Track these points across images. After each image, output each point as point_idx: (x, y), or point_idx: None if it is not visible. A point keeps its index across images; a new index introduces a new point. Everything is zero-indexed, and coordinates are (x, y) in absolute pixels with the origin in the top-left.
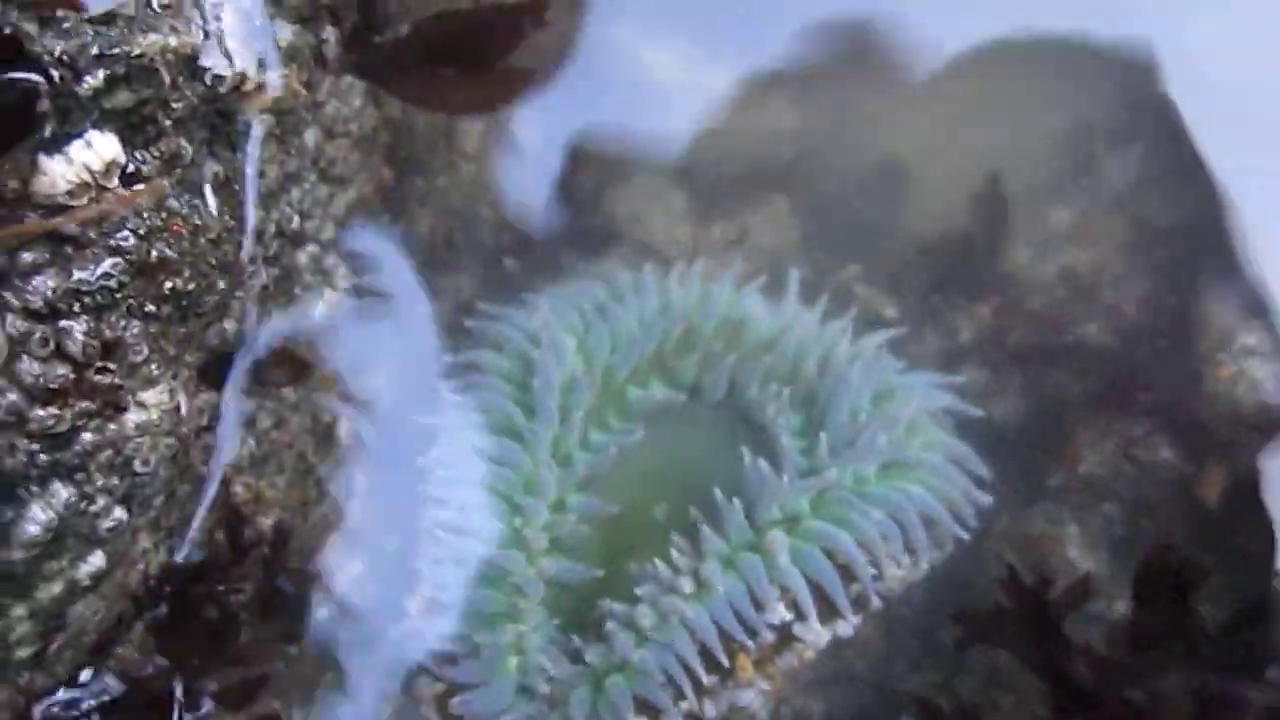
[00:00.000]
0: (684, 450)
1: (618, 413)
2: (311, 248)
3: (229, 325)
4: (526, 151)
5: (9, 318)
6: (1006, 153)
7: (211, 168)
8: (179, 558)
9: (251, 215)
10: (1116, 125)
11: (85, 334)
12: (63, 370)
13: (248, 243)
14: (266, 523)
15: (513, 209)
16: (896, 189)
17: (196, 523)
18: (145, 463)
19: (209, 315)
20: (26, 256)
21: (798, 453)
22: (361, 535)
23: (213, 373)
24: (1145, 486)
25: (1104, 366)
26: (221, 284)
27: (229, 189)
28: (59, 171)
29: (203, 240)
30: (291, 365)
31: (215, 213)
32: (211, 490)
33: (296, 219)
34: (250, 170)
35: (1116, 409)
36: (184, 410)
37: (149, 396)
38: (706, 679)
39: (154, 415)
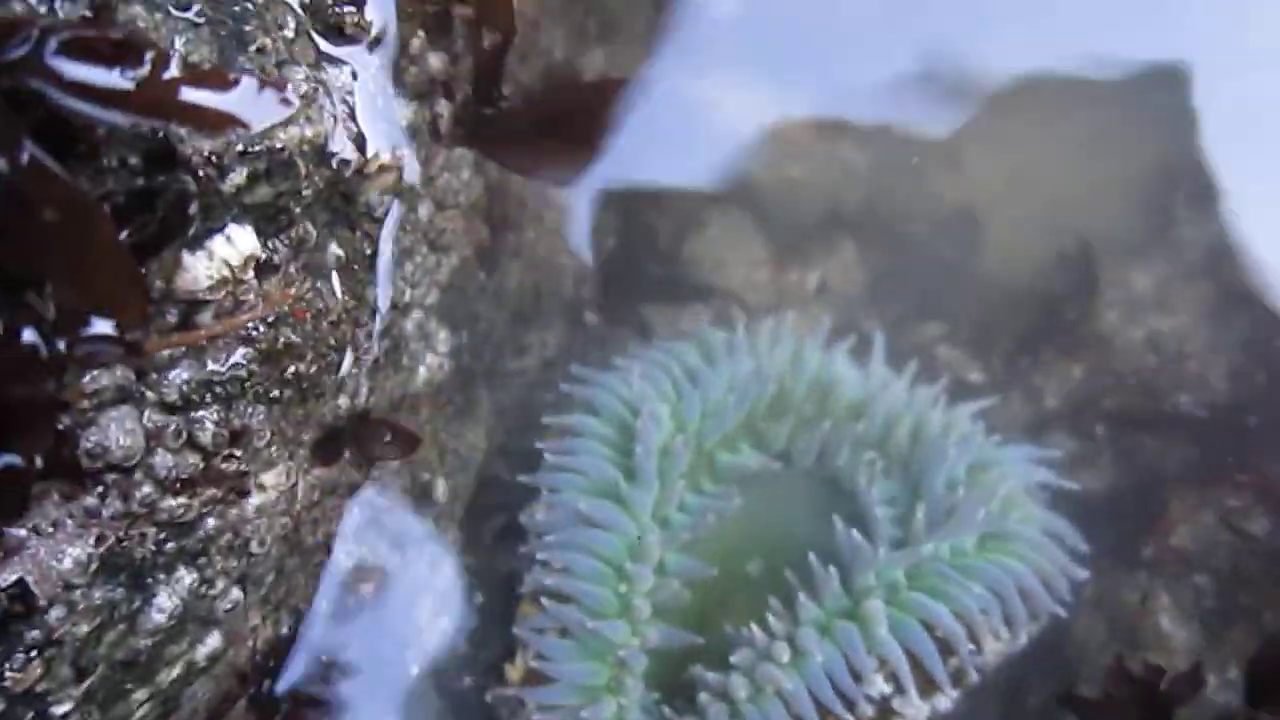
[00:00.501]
0: (774, 514)
1: (711, 477)
2: (417, 314)
3: (343, 401)
4: (608, 200)
5: (146, 411)
6: (1083, 202)
7: (334, 250)
8: (285, 630)
9: (373, 295)
10: (1196, 178)
11: (216, 424)
12: (193, 460)
13: (366, 319)
14: (368, 589)
15: (593, 258)
16: (969, 236)
17: (303, 594)
18: (261, 543)
19: (327, 395)
20: (163, 352)
21: (889, 522)
22: (451, 592)
23: (325, 448)
24: (1240, 559)
25: (1195, 438)
26: (340, 364)
27: (349, 270)
28: (201, 269)
29: (325, 323)
30: (402, 440)
31: (338, 295)
32: (317, 561)
33: (408, 291)
34: (369, 250)
35: (1210, 481)
36: (299, 489)
37: (268, 479)
38: None
39: (272, 496)
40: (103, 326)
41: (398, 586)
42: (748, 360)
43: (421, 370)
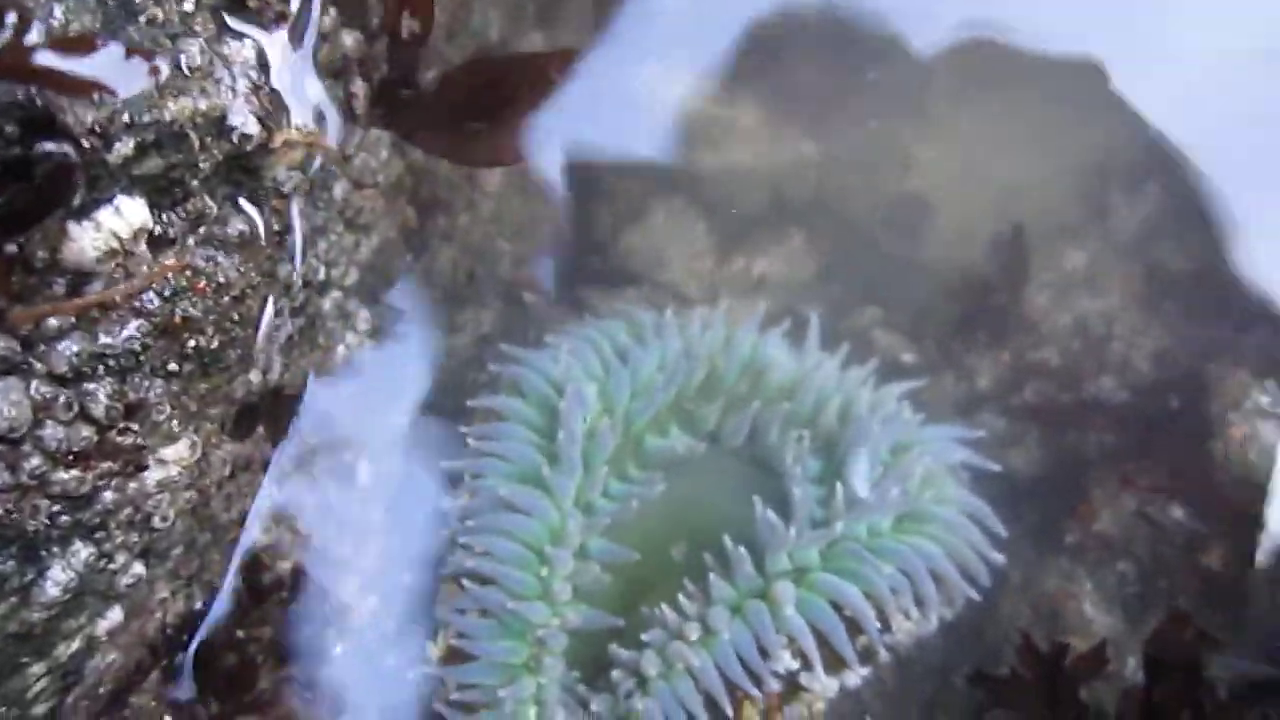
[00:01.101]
0: (701, 496)
1: (637, 461)
2: (335, 294)
3: (254, 377)
4: (546, 187)
5: (34, 383)
6: (1024, 188)
7: (236, 225)
8: (198, 604)
9: (285, 272)
10: (1133, 163)
11: (109, 397)
12: (86, 433)
13: (277, 296)
14: (285, 566)
15: (531, 244)
16: (917, 225)
17: (216, 569)
18: (165, 518)
19: (232, 369)
20: (51, 323)
21: (815, 502)
22: (378, 573)
23: (236, 424)
24: (1160, 546)
25: (1118, 423)
26: (245, 339)
27: (255, 246)
28: (88, 239)
29: (227, 298)
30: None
31: (239, 270)
32: (232, 537)
33: (322, 269)
34: (278, 226)
35: (1130, 469)
36: (205, 464)
37: (169, 453)
38: None
39: (174, 471)
40: None
41: (320, 563)
42: (678, 340)
43: (340, 349)
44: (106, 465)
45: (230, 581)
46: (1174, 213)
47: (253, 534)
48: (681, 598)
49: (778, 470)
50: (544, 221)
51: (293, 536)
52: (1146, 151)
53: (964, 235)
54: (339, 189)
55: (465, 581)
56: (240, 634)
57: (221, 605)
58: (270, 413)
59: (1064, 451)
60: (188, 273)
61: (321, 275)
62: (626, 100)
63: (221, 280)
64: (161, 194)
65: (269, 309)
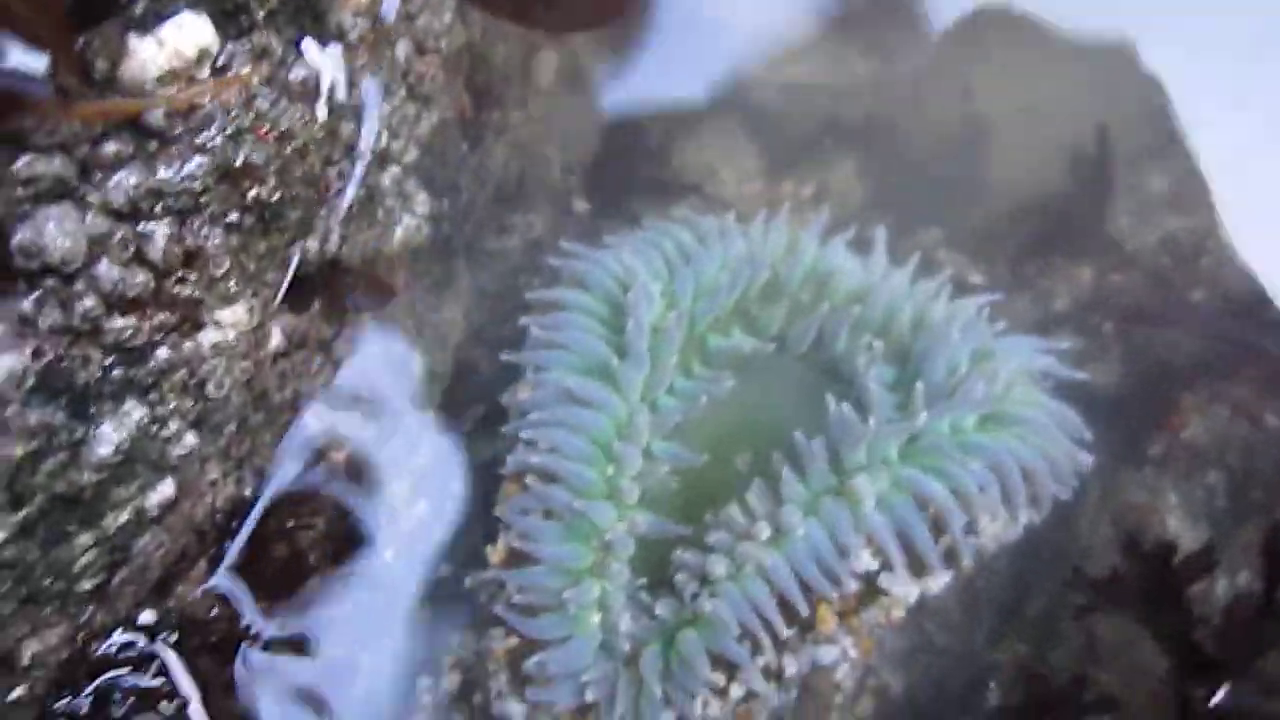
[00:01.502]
0: (767, 403)
1: (702, 361)
2: (394, 169)
3: (312, 245)
4: (599, 93)
5: (89, 215)
6: (1090, 115)
7: (299, 71)
8: (248, 490)
9: (348, 130)
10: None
11: (167, 239)
12: (142, 277)
13: (338, 156)
14: (339, 458)
15: (582, 151)
16: (976, 149)
17: (267, 454)
18: (219, 386)
19: (291, 231)
20: (109, 148)
21: (889, 406)
22: (430, 475)
23: (292, 294)
24: (1254, 454)
25: (1209, 331)
26: (306, 197)
27: (318, 96)
28: (149, 55)
29: (289, 149)
30: (376, 289)
31: (302, 120)
32: (284, 421)
33: (385, 136)
34: (343, 80)
35: (1224, 373)
36: (262, 333)
37: (226, 315)
38: (785, 631)
39: (230, 336)
40: (27, 60)
41: (372, 460)
42: (741, 243)
43: (398, 230)
44: (163, 317)
45: (282, 468)
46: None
47: (306, 420)
48: (750, 497)
49: (847, 378)
50: (595, 127)
51: (345, 428)
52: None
53: (1030, 161)
54: (402, 49)
55: (529, 480)
56: (291, 524)
57: (272, 493)
58: (327, 287)
59: (1148, 368)
60: (251, 114)
61: (383, 142)
62: (685, 11)
63: (284, 128)
64: (226, 18)
65: (331, 171)
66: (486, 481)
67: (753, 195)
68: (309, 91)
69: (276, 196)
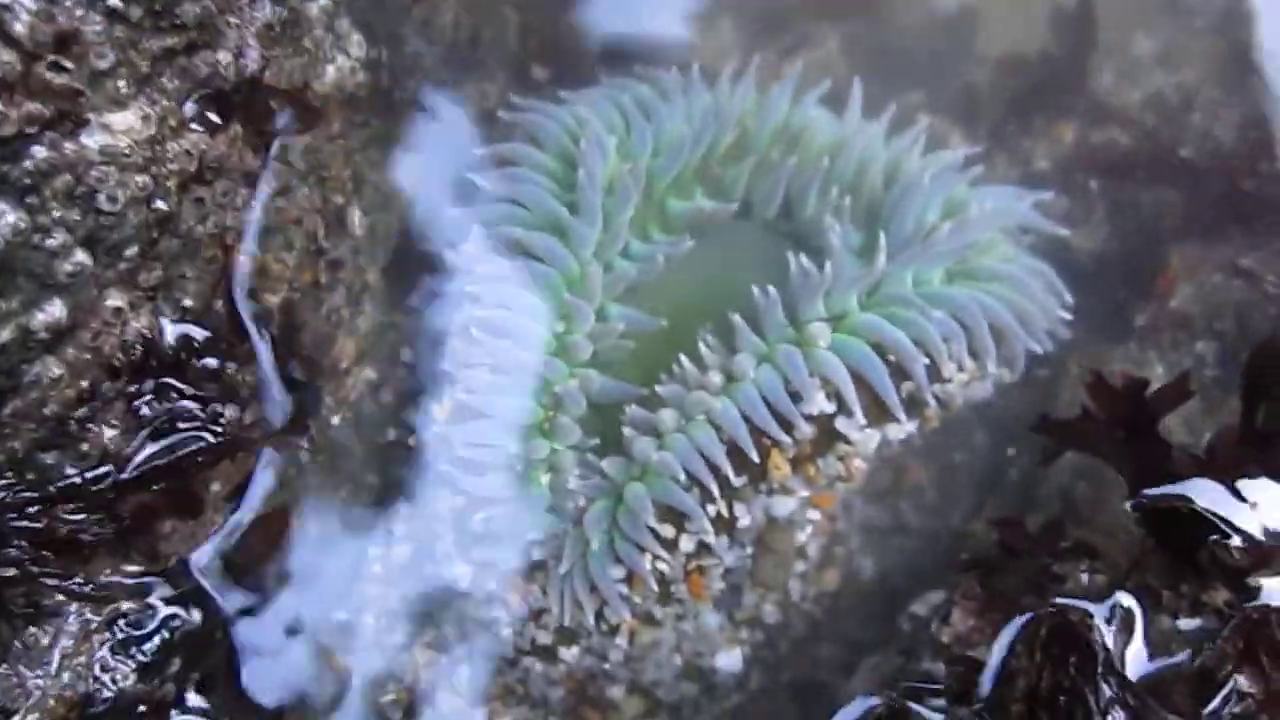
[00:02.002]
0: (732, 268)
1: (660, 224)
2: (324, 1)
3: (223, 57)
4: None
5: None
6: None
7: None
8: (168, 326)
9: None
10: None
11: (34, 14)
12: (7, 57)
13: None
14: (273, 300)
15: (543, 13)
16: (963, 23)
17: (190, 289)
18: (112, 199)
19: (192, 33)
20: None
21: (853, 261)
22: (375, 339)
23: (205, 111)
24: (1248, 321)
25: (1201, 187)
26: None
27: None
28: None
29: None
30: (303, 112)
31: None
32: (209, 255)
33: None
34: None
35: (1217, 232)
36: (162, 149)
37: (117, 119)
38: (736, 478)
39: (122, 143)
40: None
41: (311, 314)
42: (705, 97)
43: (330, 69)
44: (34, 107)
45: (213, 312)
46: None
47: (236, 259)
48: (702, 347)
49: (817, 246)
50: None
51: (281, 269)
52: None
53: (1017, 33)
54: None
55: (475, 332)
56: (229, 368)
57: (202, 336)
58: (248, 109)
59: (1135, 229)
60: None
61: None
62: None
63: None
64: None
65: None
66: (438, 348)
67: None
68: None
69: None
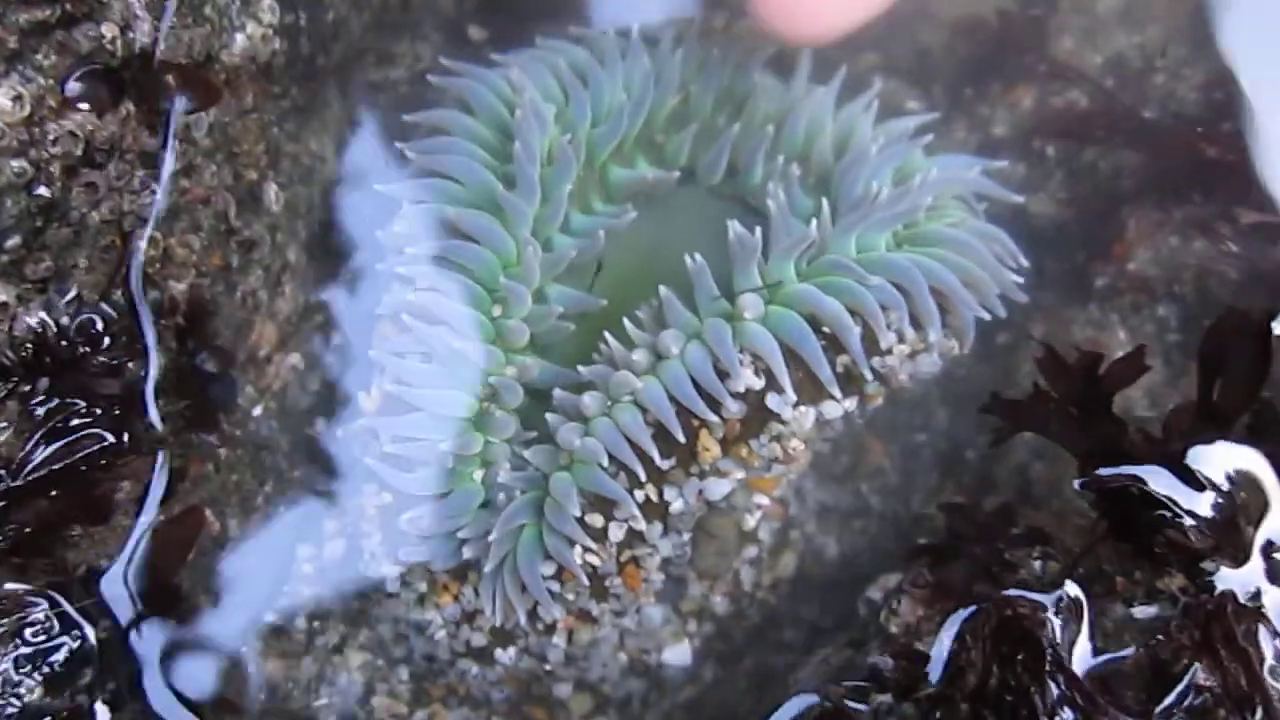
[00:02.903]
0: (677, 239)
1: (602, 194)
2: None
3: (107, 30)
4: None
5: None
6: None
7: None
8: (63, 319)
9: None
10: None
11: None
12: None
13: None
14: (179, 287)
15: None
16: None
17: (86, 279)
18: None
19: (68, 4)
20: None
21: (796, 227)
22: (299, 320)
23: (91, 89)
24: (1208, 283)
25: (1161, 148)
26: None
27: None
28: None
29: None
30: (200, 90)
31: None
32: (107, 243)
33: None
34: None
35: (1174, 198)
36: (41, 131)
37: None
38: (663, 461)
39: None
40: None
41: (225, 298)
42: (645, 62)
43: (239, 38)
44: None
45: (110, 299)
46: None
47: (137, 244)
48: (628, 324)
49: (763, 209)
50: None
51: (186, 253)
52: None
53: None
54: None
55: (406, 318)
56: (129, 363)
57: (101, 328)
58: (141, 86)
59: (1093, 194)
60: None
61: None
62: None
63: None
64: None
65: None
66: (364, 331)
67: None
68: None
69: None
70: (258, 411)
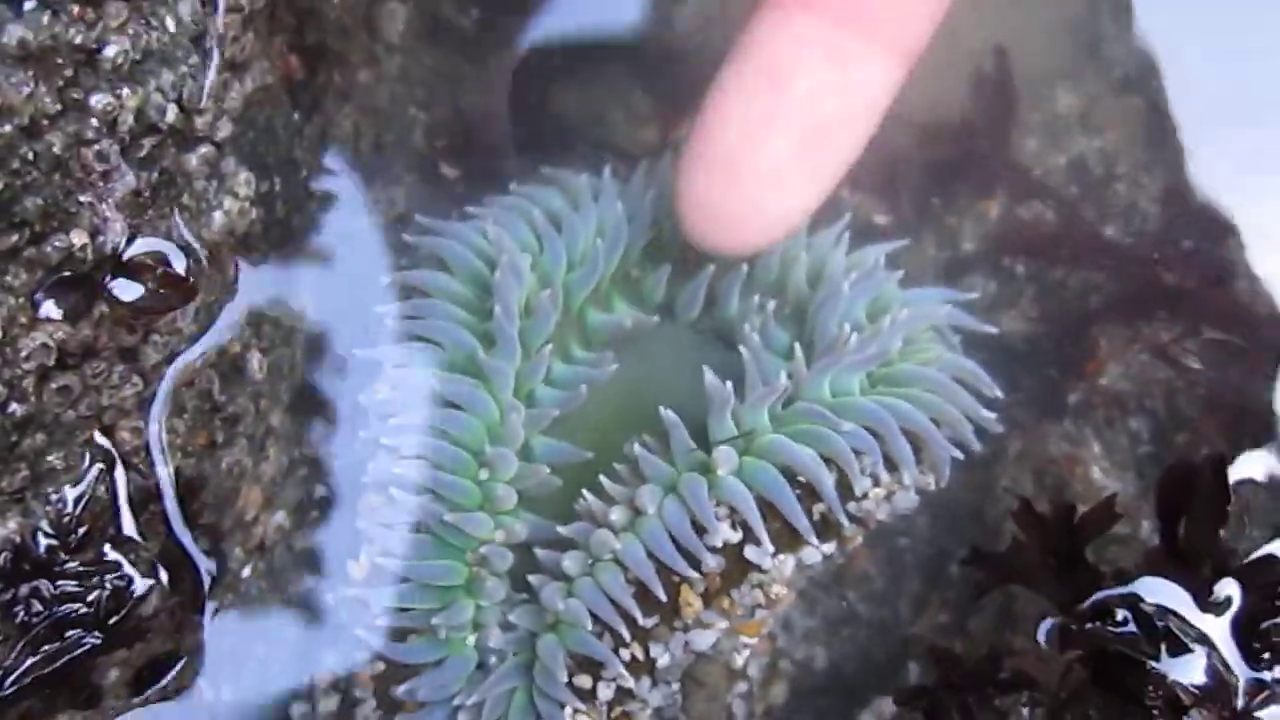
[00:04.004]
0: (659, 378)
1: (581, 340)
2: (205, 149)
3: (76, 239)
4: (461, 41)
5: None
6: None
7: (16, 32)
8: (41, 523)
9: (101, 104)
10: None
11: None
12: None
13: (92, 133)
14: (165, 471)
15: (448, 109)
16: None
17: (60, 478)
18: None
19: (36, 224)
20: None
21: (774, 371)
22: (283, 478)
23: (62, 298)
24: (1177, 398)
25: (1125, 270)
26: (49, 186)
27: (47, 61)
28: None
29: (7, 126)
30: (170, 286)
31: (22, 90)
32: (85, 439)
33: (172, 110)
34: (90, 41)
35: (1140, 314)
36: (15, 348)
37: None
38: (645, 619)
39: None
40: None
41: (211, 472)
42: (617, 204)
43: (217, 215)
44: None
45: (93, 494)
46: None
47: (121, 435)
48: (605, 481)
49: (740, 345)
50: (463, 82)
51: (172, 437)
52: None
53: (938, 90)
54: (185, 7)
55: (394, 491)
56: (111, 557)
57: (81, 527)
58: (115, 287)
59: (1063, 311)
60: None
61: (171, 117)
62: None
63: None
64: None
65: (88, 152)
66: (349, 486)
67: (648, 142)
68: (32, 56)
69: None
70: (246, 573)
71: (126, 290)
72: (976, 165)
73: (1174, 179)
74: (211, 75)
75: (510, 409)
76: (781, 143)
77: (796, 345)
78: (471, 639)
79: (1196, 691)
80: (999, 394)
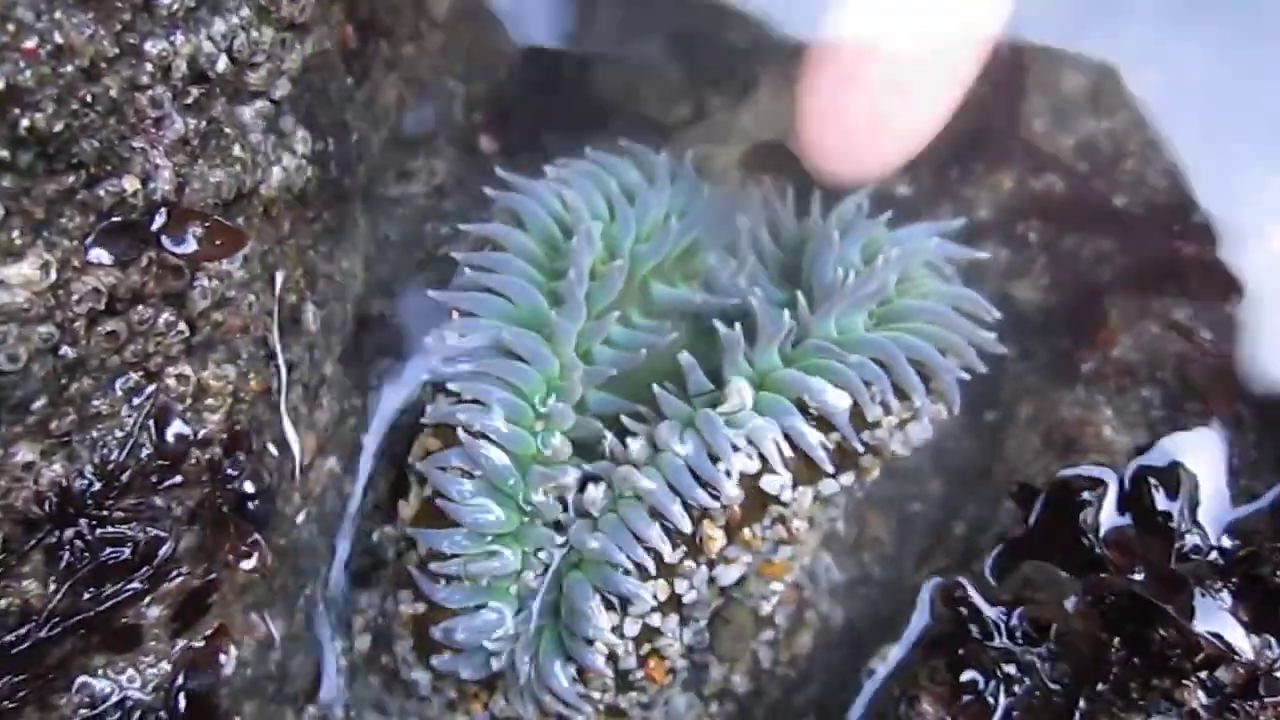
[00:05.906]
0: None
1: (640, 308)
2: (261, 104)
3: (128, 184)
4: (501, 20)
5: None
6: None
7: None
8: (86, 468)
9: (157, 49)
10: None
11: None
12: None
13: (146, 78)
14: (213, 419)
15: (487, 84)
16: None
17: (110, 421)
18: (13, 358)
19: (90, 169)
20: None
21: (778, 317)
22: (335, 426)
23: (114, 243)
24: (1189, 369)
25: (1136, 242)
26: (105, 129)
27: (107, 7)
28: None
29: (69, 66)
30: (220, 238)
31: (84, 32)
32: (130, 385)
33: (223, 60)
34: None
35: (1152, 287)
36: (65, 293)
37: (12, 273)
38: (671, 553)
39: (20, 298)
40: None
41: (268, 418)
42: (702, 187)
43: (275, 170)
44: None
45: (136, 440)
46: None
47: (168, 381)
48: (625, 419)
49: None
50: (502, 59)
51: (222, 384)
52: None
53: None
54: None
55: (460, 434)
56: (155, 501)
57: (127, 470)
58: (164, 234)
59: (1076, 280)
60: (9, 25)
61: (221, 67)
62: None
63: (60, 42)
64: None
65: (142, 97)
66: (396, 433)
67: (682, 119)
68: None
69: (60, 126)
70: (301, 518)
71: (176, 237)
72: (990, 140)
73: (1182, 160)
74: (269, 31)
75: (573, 366)
76: (903, 50)
77: (799, 293)
78: (515, 587)
79: (1219, 644)
80: (997, 314)
